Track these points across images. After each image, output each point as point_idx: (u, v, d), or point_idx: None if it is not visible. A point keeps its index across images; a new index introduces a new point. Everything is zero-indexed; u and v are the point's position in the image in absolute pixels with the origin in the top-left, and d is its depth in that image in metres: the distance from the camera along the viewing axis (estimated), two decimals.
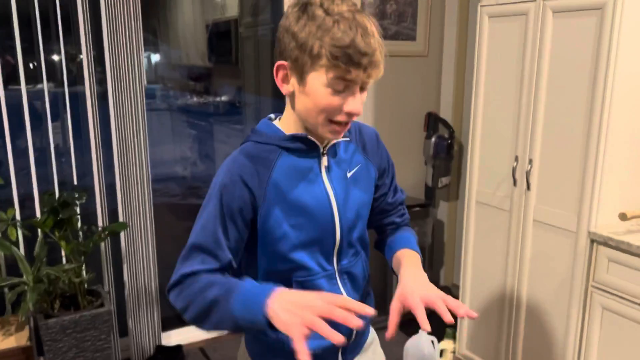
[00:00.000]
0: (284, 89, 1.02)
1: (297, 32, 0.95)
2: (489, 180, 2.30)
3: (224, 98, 3.48)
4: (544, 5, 1.97)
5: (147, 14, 2.74)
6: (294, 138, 1.05)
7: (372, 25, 0.95)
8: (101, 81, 2.39)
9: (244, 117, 3.48)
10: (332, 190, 1.08)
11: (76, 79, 2.47)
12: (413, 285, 1.01)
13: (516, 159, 2.14)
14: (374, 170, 1.17)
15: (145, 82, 2.51)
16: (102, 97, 2.39)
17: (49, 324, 2.00)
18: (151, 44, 3.06)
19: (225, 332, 2.76)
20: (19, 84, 2.26)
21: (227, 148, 3.41)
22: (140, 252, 2.57)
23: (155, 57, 3.12)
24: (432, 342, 2.55)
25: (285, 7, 0.97)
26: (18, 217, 2.25)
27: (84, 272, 2.29)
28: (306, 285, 1.09)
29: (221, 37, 3.34)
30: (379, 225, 1.29)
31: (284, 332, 0.88)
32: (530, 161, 2.08)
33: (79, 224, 2.17)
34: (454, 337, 2.61)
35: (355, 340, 1.18)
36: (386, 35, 3.00)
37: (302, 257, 1.08)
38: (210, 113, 3.41)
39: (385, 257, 1.25)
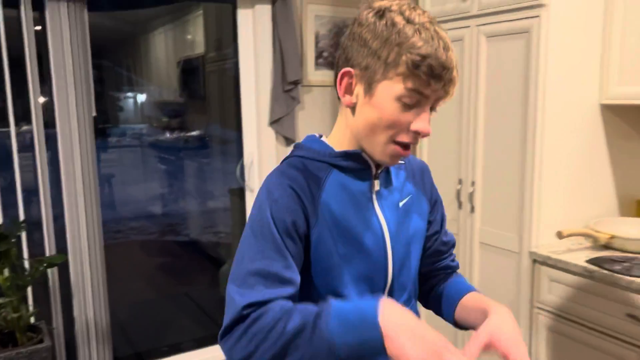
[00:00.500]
0: (346, 99, 0.91)
1: (372, 39, 0.86)
2: None
3: (195, 133, 3.51)
4: (478, 31, 2.02)
5: (124, 54, 2.80)
6: (346, 155, 0.93)
7: (450, 42, 0.87)
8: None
9: (211, 150, 3.49)
10: (384, 219, 0.96)
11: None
12: (508, 328, 0.86)
13: (460, 181, 2.15)
14: (426, 203, 1.06)
15: (92, 122, 2.51)
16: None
17: None
18: (127, 83, 3.11)
19: None
20: None
21: (200, 182, 3.42)
22: (89, 287, 2.51)
23: (131, 96, 3.16)
24: None
25: (361, 13, 0.92)
26: None
27: (28, 307, 2.24)
28: None
29: (191, 73, 3.39)
30: (431, 270, 1.12)
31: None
32: (473, 183, 2.09)
33: (18, 258, 2.12)
34: None
35: None
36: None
37: (351, 297, 0.91)
38: (183, 148, 3.43)
39: (439, 309, 1.08)
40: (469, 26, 2.04)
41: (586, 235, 1.81)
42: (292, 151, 0.99)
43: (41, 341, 2.08)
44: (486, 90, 2.01)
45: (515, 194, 1.92)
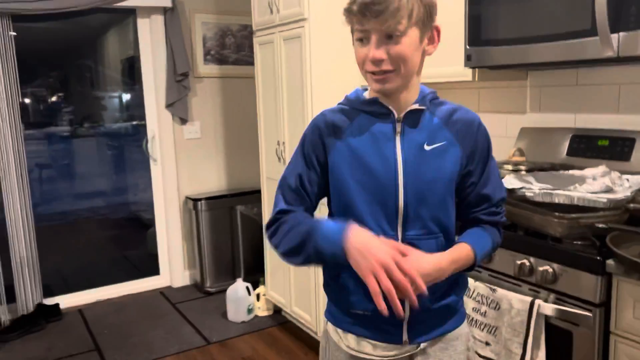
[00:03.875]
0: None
1: None
2: (269, 161, 3.15)
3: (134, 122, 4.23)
4: (279, 36, 2.86)
5: (87, 55, 3.56)
6: (368, 102, 1.14)
7: None
8: None
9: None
10: (401, 154, 1.11)
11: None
12: (426, 259, 1.04)
13: (277, 143, 3.00)
14: (459, 150, 1.13)
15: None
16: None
17: None
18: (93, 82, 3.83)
19: (103, 297, 3.48)
20: None
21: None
22: (21, 231, 3.34)
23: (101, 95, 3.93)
24: (248, 287, 3.35)
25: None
26: None
27: None
28: None
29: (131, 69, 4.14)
30: (465, 220, 1.22)
31: (355, 270, 0.99)
32: (283, 143, 2.94)
33: None
34: (264, 284, 3.41)
35: (421, 319, 1.16)
36: (227, 61, 3.88)
37: (365, 215, 1.11)
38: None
39: None
40: (274, 32, 2.89)
41: None
42: (340, 101, 1.21)
43: None
44: (287, 77, 2.85)
45: None
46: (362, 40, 1.07)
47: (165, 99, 3.76)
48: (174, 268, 3.98)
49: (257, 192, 3.88)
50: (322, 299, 2.76)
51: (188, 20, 3.78)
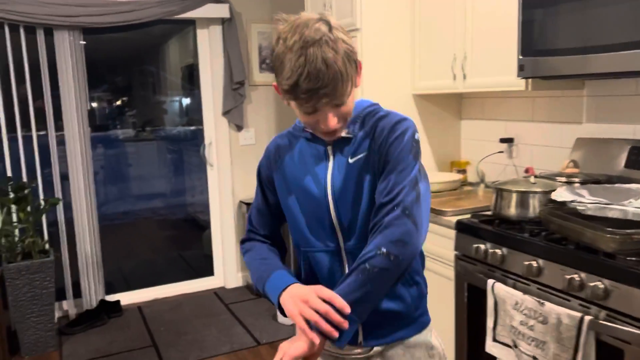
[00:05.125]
0: None
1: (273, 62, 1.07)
2: None
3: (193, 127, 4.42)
4: None
5: (149, 62, 3.79)
6: (304, 129, 1.22)
7: (327, 53, 1.01)
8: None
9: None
10: (330, 172, 1.18)
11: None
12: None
13: None
14: (377, 159, 1.14)
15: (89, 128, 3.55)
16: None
17: (9, 267, 2.99)
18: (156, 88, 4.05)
19: (160, 296, 3.65)
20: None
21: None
22: (86, 230, 3.55)
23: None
24: None
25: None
26: None
27: (43, 237, 3.33)
28: (309, 257, 1.23)
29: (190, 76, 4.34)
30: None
31: (290, 317, 1.08)
32: None
33: (33, 201, 3.18)
34: None
35: (376, 323, 1.21)
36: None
37: (307, 232, 1.22)
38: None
39: None
40: None
41: None
42: (291, 126, 1.29)
43: (48, 257, 3.13)
44: None
45: None
46: (310, 113, 1.09)
47: (222, 106, 3.89)
48: (227, 269, 4.11)
49: None
50: None
51: (245, 30, 3.91)
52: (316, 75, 1.01)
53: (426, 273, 2.30)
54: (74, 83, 3.40)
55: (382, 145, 1.13)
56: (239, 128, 3.99)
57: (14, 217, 3.15)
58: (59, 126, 3.46)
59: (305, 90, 1.03)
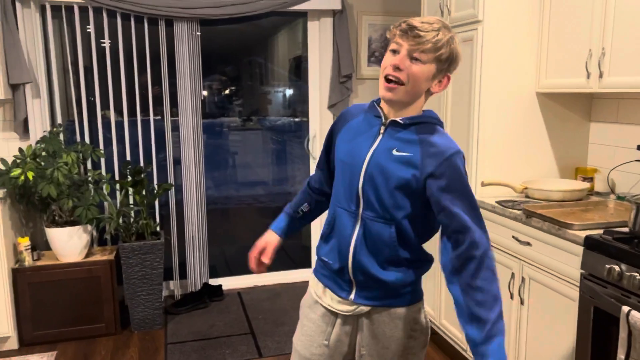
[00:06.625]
0: None
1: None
2: None
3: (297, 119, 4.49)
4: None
5: (258, 53, 3.90)
6: (370, 106, 1.42)
7: (438, 26, 1.26)
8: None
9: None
10: (373, 149, 1.34)
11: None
12: None
13: None
14: (419, 171, 1.29)
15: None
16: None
17: (124, 246, 3.17)
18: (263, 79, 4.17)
19: (259, 283, 3.72)
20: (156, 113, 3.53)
21: None
22: (195, 213, 3.69)
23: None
24: None
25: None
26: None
27: (155, 219, 3.50)
28: (335, 210, 1.43)
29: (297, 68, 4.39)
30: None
31: None
32: None
33: (148, 185, 3.34)
34: None
35: (366, 285, 1.40)
36: None
37: (339, 189, 1.42)
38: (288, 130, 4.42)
39: None
40: None
41: (503, 185, 2.48)
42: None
43: (159, 239, 3.27)
44: (453, 79, 2.74)
45: (466, 158, 2.65)
46: (394, 52, 1.29)
47: (328, 99, 3.86)
48: None
49: None
50: None
51: (355, 22, 3.83)
52: (431, 30, 1.25)
53: (542, 289, 2.10)
54: (189, 72, 3.53)
55: (436, 166, 1.28)
56: None
57: (130, 200, 3.33)
58: (174, 113, 3.60)
59: (409, 25, 1.25)
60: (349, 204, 1.38)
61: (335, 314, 1.46)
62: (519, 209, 2.28)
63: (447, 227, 1.29)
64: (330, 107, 3.86)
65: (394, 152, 1.31)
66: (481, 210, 2.46)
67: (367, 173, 1.34)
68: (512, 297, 2.32)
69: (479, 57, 2.50)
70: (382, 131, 1.35)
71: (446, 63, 1.29)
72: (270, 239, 1.62)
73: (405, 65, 1.26)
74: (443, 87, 1.34)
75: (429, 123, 1.35)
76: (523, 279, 2.25)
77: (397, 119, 1.33)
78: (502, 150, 2.60)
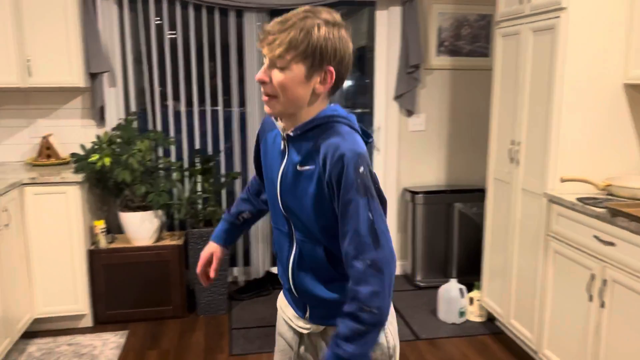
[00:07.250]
0: None
1: None
2: (499, 161, 2.97)
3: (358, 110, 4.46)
4: (527, 27, 2.64)
5: None
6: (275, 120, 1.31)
7: (295, 20, 1.13)
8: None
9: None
10: (282, 168, 1.25)
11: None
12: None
13: (512, 142, 2.80)
14: (324, 179, 1.16)
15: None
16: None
17: (193, 232, 3.25)
18: None
19: None
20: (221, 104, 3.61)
21: None
22: None
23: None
24: (461, 289, 3.24)
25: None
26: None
27: (221, 206, 3.57)
28: (274, 231, 1.36)
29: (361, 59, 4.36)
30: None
31: None
32: (518, 143, 2.73)
33: (217, 173, 3.41)
34: (479, 288, 3.25)
35: (315, 305, 1.31)
36: (461, 53, 3.78)
37: (270, 207, 1.35)
38: None
39: None
40: (522, 23, 2.66)
41: (582, 181, 2.35)
42: None
43: None
44: (532, 72, 2.62)
45: (542, 151, 2.53)
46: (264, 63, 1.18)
47: (394, 90, 3.80)
48: None
49: (477, 191, 3.72)
50: (548, 317, 2.52)
51: (425, 11, 3.74)
52: (284, 29, 1.12)
53: (626, 292, 1.97)
54: (257, 63, 3.56)
55: (329, 171, 1.14)
56: (410, 113, 3.87)
57: (199, 187, 3.41)
58: (242, 103, 3.65)
59: (262, 31, 1.15)
60: (282, 223, 1.30)
61: (298, 332, 1.41)
62: (602, 207, 2.16)
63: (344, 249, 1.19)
64: (397, 97, 3.80)
65: (298, 168, 1.21)
66: (559, 207, 2.41)
67: (282, 196, 1.25)
68: (590, 299, 2.21)
69: (561, 49, 2.38)
70: (285, 147, 1.24)
71: (316, 57, 1.12)
72: (214, 251, 1.56)
73: (270, 76, 1.15)
74: (329, 84, 1.17)
75: (325, 124, 1.19)
76: (604, 281, 2.13)
77: (289, 133, 1.21)
78: (582, 145, 2.47)
